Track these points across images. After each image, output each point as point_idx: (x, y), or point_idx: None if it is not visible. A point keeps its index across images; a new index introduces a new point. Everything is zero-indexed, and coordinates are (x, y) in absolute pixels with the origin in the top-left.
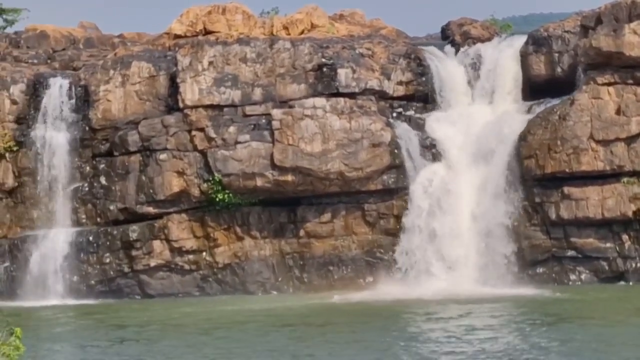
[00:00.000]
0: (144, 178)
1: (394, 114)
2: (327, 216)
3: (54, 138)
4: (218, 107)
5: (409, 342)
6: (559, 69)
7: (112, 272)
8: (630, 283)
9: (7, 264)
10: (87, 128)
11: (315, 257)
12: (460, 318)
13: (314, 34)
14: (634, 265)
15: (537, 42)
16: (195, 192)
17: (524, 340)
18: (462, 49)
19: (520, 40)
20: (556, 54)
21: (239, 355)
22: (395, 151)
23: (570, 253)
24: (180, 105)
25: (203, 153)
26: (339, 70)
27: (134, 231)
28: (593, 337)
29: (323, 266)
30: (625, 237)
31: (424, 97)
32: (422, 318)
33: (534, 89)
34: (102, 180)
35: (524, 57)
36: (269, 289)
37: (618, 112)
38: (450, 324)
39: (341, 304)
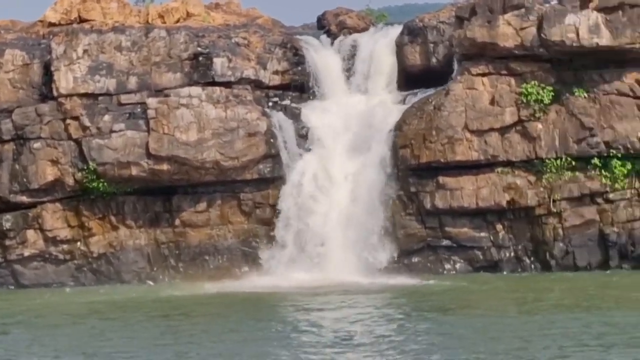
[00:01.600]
0: (17, 167)
1: (270, 104)
2: (202, 205)
3: None
4: (93, 96)
5: (285, 333)
6: (434, 60)
7: None
8: (505, 272)
9: None
10: None
11: (191, 247)
12: (335, 308)
13: (190, 22)
14: (508, 254)
15: (413, 33)
16: (70, 181)
17: (398, 330)
18: (338, 39)
19: (395, 31)
20: (431, 45)
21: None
22: (271, 141)
23: (445, 242)
24: (55, 93)
25: (78, 142)
26: (215, 60)
27: (7, 220)
28: (469, 327)
29: (199, 255)
30: (499, 226)
31: (300, 86)
32: (297, 308)
33: (410, 79)
34: None
35: (400, 47)
36: (144, 279)
37: (492, 102)
38: (325, 315)
39: (216, 294)
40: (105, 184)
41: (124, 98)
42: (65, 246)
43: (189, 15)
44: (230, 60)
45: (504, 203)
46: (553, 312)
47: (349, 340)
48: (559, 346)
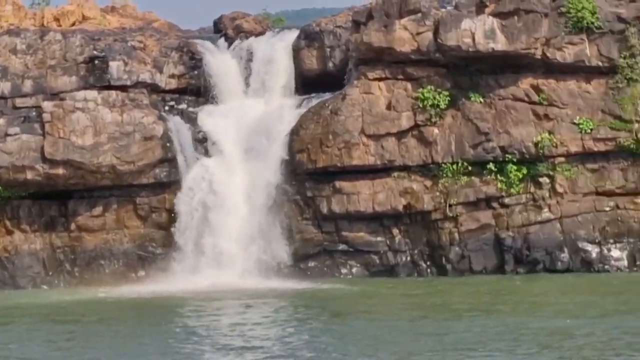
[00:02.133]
0: None
1: (167, 108)
2: (98, 210)
3: None
4: None
5: (181, 337)
6: (330, 64)
7: None
8: (401, 277)
9: None
10: None
11: (87, 251)
12: (231, 313)
13: (86, 25)
14: (404, 259)
15: (309, 37)
16: None
17: (293, 335)
18: (234, 43)
19: (292, 35)
20: (328, 49)
21: None
22: (168, 145)
23: (342, 247)
24: None
25: None
26: (111, 63)
27: None
28: (364, 332)
29: (94, 260)
30: (395, 231)
31: (196, 90)
32: (194, 313)
33: (307, 83)
34: None
35: (297, 51)
36: (40, 284)
37: (389, 107)
38: (221, 319)
39: (111, 298)
40: None
41: (19, 101)
42: None
43: (84, 18)
44: (126, 64)
45: (400, 207)
46: (449, 317)
47: (245, 345)
48: (453, 349)
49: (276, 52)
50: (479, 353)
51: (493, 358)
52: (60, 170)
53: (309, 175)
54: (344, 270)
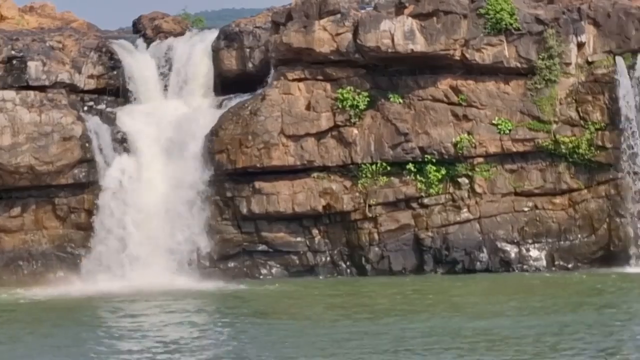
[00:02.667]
0: None
1: (85, 108)
2: (16, 210)
3: None
4: None
5: (100, 339)
6: (250, 64)
7: None
8: (321, 277)
9: None
10: None
11: (5, 252)
12: (150, 314)
13: (3, 25)
14: (323, 259)
15: (229, 37)
16: None
17: (209, 336)
18: (153, 43)
19: (212, 35)
20: (247, 49)
21: None
22: (87, 145)
23: (261, 247)
24: None
25: None
26: (29, 63)
27: None
28: (282, 333)
29: (12, 261)
30: (315, 231)
31: (115, 91)
32: (113, 314)
33: (226, 83)
34: None
35: (216, 52)
36: None
37: (308, 107)
38: (140, 320)
39: (28, 300)
40: None
41: None
42: None
43: (2, 18)
44: (44, 64)
45: (319, 208)
46: (370, 317)
47: (160, 346)
48: (373, 350)
49: (195, 52)
50: (400, 355)
51: (413, 359)
52: None
53: (228, 175)
54: (263, 271)
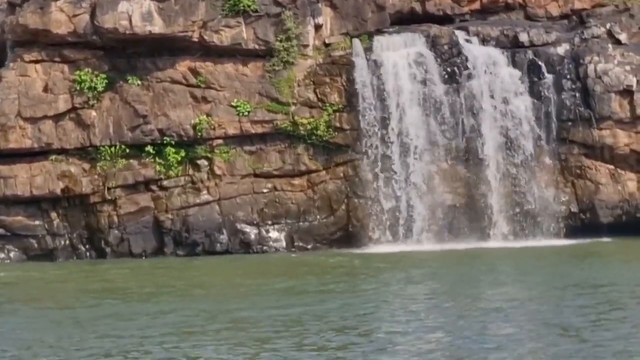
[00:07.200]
0: None
1: None
2: None
3: None
4: None
5: None
6: None
7: None
8: (60, 260)
9: None
10: None
11: None
12: None
13: None
14: (63, 242)
15: None
16: None
17: None
18: None
19: None
20: None
21: None
22: None
23: (0, 231)
24: None
25: None
26: None
27: None
28: (13, 322)
29: None
30: (54, 214)
31: None
32: None
33: None
34: None
35: None
36: None
37: (45, 89)
38: None
39: None
40: None
41: None
42: None
43: None
44: None
45: (58, 191)
46: (105, 301)
47: None
48: (104, 335)
49: None
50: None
51: (141, 344)
52: None
53: None
54: (1, 255)
